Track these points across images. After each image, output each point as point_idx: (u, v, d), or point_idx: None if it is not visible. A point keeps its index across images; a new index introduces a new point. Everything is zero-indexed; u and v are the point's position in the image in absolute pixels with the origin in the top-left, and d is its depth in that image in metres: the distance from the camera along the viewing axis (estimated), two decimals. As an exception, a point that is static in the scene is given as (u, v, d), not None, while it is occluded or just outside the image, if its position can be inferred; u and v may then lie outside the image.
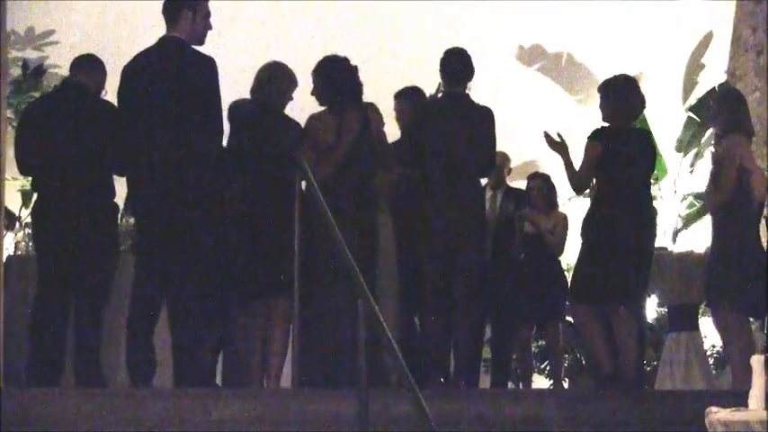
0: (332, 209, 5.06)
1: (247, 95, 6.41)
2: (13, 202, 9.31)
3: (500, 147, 6.97)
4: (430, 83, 6.89)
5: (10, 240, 8.17)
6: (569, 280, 7.02)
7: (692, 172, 10.51)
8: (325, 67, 6.29)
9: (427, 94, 7.07)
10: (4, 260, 7.28)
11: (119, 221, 6.56)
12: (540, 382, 9.15)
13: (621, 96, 6.45)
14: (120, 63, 5.77)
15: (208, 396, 5.05)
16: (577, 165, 6.46)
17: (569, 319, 8.91)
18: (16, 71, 10.17)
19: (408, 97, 7.05)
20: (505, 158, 8.02)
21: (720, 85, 9.93)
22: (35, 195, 6.25)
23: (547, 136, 6.55)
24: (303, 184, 5.77)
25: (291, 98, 6.34)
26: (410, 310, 6.67)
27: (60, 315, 5.89)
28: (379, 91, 6.92)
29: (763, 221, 6.88)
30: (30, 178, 6.43)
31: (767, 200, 6.53)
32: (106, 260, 5.98)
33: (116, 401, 4.98)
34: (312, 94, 6.33)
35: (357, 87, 6.31)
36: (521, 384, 8.15)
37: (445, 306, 6.45)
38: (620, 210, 6.32)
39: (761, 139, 9.14)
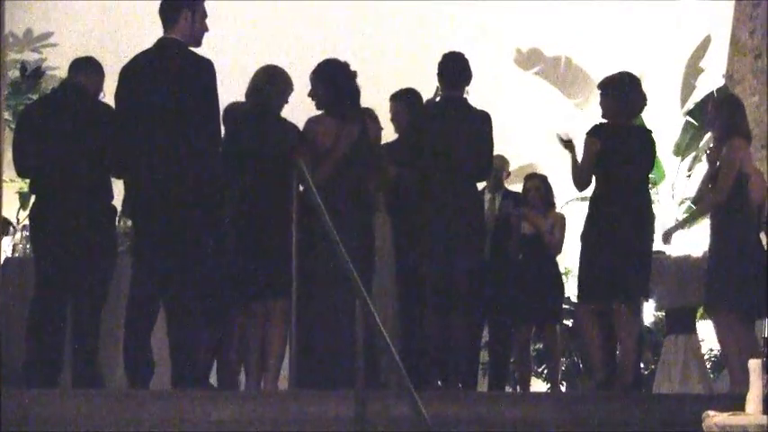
0: (329, 211, 5.07)
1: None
2: (11, 204, 9.30)
3: (498, 150, 6.98)
4: (428, 85, 6.89)
5: (8, 242, 8.16)
6: (566, 281, 7.04)
7: (689, 176, 10.51)
8: (326, 70, 6.29)
9: (425, 97, 7.07)
10: (2, 262, 7.30)
11: (117, 223, 6.56)
12: (538, 385, 9.14)
13: (622, 94, 6.46)
14: (118, 65, 5.76)
15: (206, 397, 5.05)
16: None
17: (567, 322, 8.95)
18: (14, 73, 10.17)
19: (404, 99, 7.05)
20: (504, 162, 8.02)
21: (718, 90, 9.95)
22: (33, 197, 6.25)
23: (558, 136, 6.57)
24: (300, 186, 5.76)
25: (287, 101, 6.34)
26: (409, 311, 6.67)
27: (58, 316, 5.89)
28: (378, 92, 6.93)
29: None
30: (28, 180, 6.43)
31: (767, 203, 6.54)
32: (104, 262, 5.98)
33: (115, 402, 4.98)
34: (310, 96, 6.33)
35: (356, 92, 6.31)
36: (518, 387, 8.15)
37: (443, 308, 6.45)
38: (618, 207, 6.33)
39: (759, 142, 9.15)
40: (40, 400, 4.93)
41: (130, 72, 5.66)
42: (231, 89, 6.25)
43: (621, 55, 10.54)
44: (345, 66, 6.32)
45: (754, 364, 4.39)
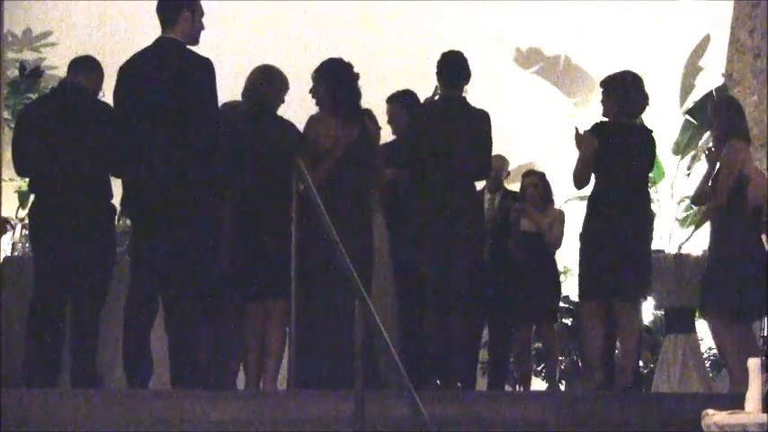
0: (329, 211, 5.06)
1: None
2: (11, 203, 9.30)
3: (497, 149, 6.98)
4: (428, 85, 6.89)
5: (7, 241, 8.16)
6: (565, 281, 7.04)
7: (689, 175, 10.50)
8: (328, 69, 6.28)
9: (422, 98, 7.07)
10: (1, 261, 7.31)
11: (116, 222, 6.56)
12: (537, 384, 9.15)
13: (624, 93, 6.45)
14: (117, 64, 5.76)
15: (205, 397, 5.05)
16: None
17: (566, 321, 8.95)
18: (13, 72, 10.17)
19: (401, 100, 7.05)
20: (504, 161, 8.02)
21: (718, 89, 9.95)
22: (32, 196, 6.24)
23: (576, 131, 6.55)
24: (301, 185, 5.75)
25: (284, 100, 6.34)
26: (408, 311, 6.67)
27: (57, 316, 5.88)
28: (377, 93, 6.93)
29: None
30: (27, 179, 6.43)
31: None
32: (103, 261, 5.97)
33: (114, 402, 4.98)
34: (311, 93, 6.32)
35: (357, 93, 6.30)
36: (518, 386, 8.15)
37: (443, 308, 6.45)
38: (617, 206, 6.34)
39: (759, 142, 9.15)
40: (39, 399, 4.93)
41: (129, 71, 5.66)
42: (231, 89, 6.24)
43: (621, 54, 10.53)
44: (349, 66, 6.31)
45: (753, 363, 4.39)
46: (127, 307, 5.57)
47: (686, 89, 11.08)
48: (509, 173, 8.23)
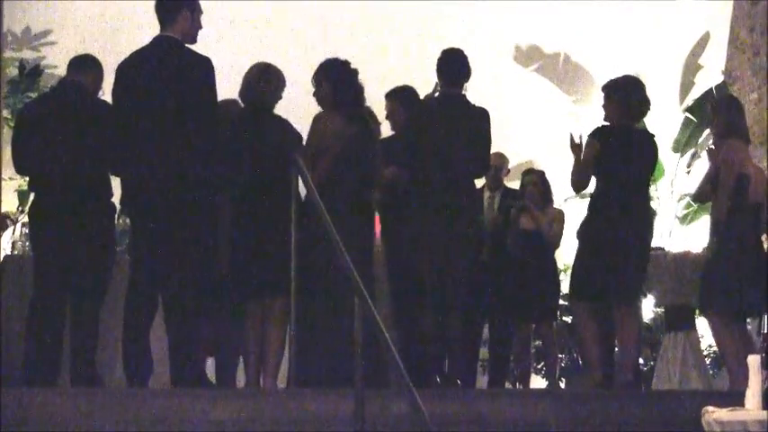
0: (329, 209, 5.06)
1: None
2: (10, 202, 9.30)
3: (497, 147, 6.97)
4: (428, 84, 6.89)
5: (7, 240, 8.16)
6: (565, 279, 7.03)
7: (689, 172, 10.51)
8: (330, 68, 6.29)
9: (421, 94, 7.07)
10: (1, 260, 7.30)
11: (116, 221, 6.56)
12: (537, 381, 9.15)
13: (626, 98, 6.45)
14: (117, 63, 5.75)
15: (205, 396, 5.05)
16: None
17: (566, 319, 8.95)
18: (13, 71, 10.17)
19: (399, 96, 7.04)
20: (503, 159, 8.02)
21: (717, 87, 9.96)
22: (32, 195, 6.24)
23: (571, 136, 6.57)
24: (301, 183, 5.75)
25: (281, 97, 6.33)
26: (408, 309, 6.67)
27: (57, 315, 5.87)
28: (378, 92, 6.93)
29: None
30: (27, 178, 6.43)
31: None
32: (103, 260, 5.97)
33: (114, 401, 4.97)
34: (314, 95, 6.33)
35: (359, 90, 6.31)
36: (518, 384, 8.15)
37: (441, 306, 6.45)
38: (617, 209, 6.34)
39: (759, 139, 9.15)
40: (39, 399, 4.93)
41: (128, 69, 5.65)
42: (231, 89, 6.24)
43: (620, 51, 10.56)
44: (348, 64, 6.33)
45: (753, 361, 4.39)
46: (126, 306, 5.57)
47: (686, 87, 11.10)
48: (509, 170, 8.23)
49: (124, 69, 5.66)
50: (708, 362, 8.50)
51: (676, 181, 10.58)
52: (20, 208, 9.14)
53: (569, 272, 6.77)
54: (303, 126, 6.21)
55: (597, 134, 6.45)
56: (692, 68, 11.12)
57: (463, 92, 6.63)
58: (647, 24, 11.02)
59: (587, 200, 6.76)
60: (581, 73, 11.45)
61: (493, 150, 6.78)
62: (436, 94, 6.81)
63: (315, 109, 6.35)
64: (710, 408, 4.33)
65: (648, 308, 9.11)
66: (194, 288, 5.53)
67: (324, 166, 6.09)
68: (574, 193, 7.02)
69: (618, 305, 6.34)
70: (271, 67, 6.31)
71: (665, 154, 10.46)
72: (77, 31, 10.74)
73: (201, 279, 5.61)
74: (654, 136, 6.70)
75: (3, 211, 8.18)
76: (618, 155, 6.37)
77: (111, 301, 6.08)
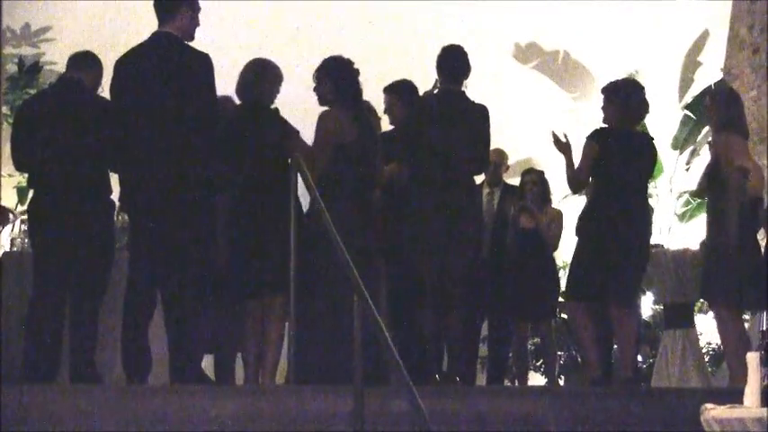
0: (329, 208, 5.06)
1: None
2: (9, 199, 9.30)
3: (496, 144, 6.98)
4: (428, 80, 6.89)
5: (6, 237, 8.16)
6: (564, 278, 7.04)
7: (688, 170, 10.52)
8: (332, 67, 6.29)
9: (422, 91, 7.07)
10: (1, 256, 7.29)
11: (115, 218, 6.55)
12: (536, 379, 9.16)
13: (626, 101, 6.46)
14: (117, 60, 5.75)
15: (205, 393, 5.05)
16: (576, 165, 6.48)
17: (564, 316, 8.95)
18: (12, 68, 10.17)
19: (398, 91, 7.04)
20: (503, 156, 8.03)
21: (716, 84, 9.95)
22: (31, 192, 6.24)
23: (554, 136, 6.57)
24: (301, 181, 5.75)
25: (279, 91, 6.33)
26: (407, 307, 6.67)
27: (56, 312, 5.86)
28: (377, 91, 6.93)
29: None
30: (26, 175, 6.42)
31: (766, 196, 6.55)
32: (102, 257, 5.96)
33: (113, 398, 4.97)
34: (315, 90, 6.33)
35: (359, 90, 6.32)
36: (516, 382, 8.16)
37: (440, 303, 6.45)
38: (615, 210, 6.33)
39: (758, 136, 9.15)
40: (39, 396, 4.92)
41: (126, 65, 5.63)
42: (230, 88, 6.23)
43: (620, 49, 10.56)
44: (351, 63, 6.34)
45: (752, 358, 4.39)
46: (125, 303, 5.56)
47: (685, 84, 11.11)
48: (508, 167, 8.24)
49: (123, 65, 5.64)
50: (707, 359, 8.52)
51: (675, 178, 10.59)
52: (19, 204, 9.14)
53: (567, 270, 6.78)
54: (303, 124, 6.21)
55: (596, 136, 6.45)
56: (691, 66, 11.13)
57: (463, 89, 6.63)
58: (646, 22, 11.02)
59: (585, 198, 6.76)
60: (580, 70, 11.45)
61: (492, 147, 6.78)
62: (435, 91, 6.81)
63: (315, 107, 6.35)
64: (709, 405, 4.33)
65: (647, 305, 9.12)
66: (193, 286, 5.52)
67: (323, 160, 6.09)
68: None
69: (616, 305, 6.34)
70: (267, 62, 6.30)
71: (664, 151, 10.47)
72: (77, 27, 10.73)
73: (200, 277, 5.61)
74: (653, 139, 6.71)
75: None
76: (617, 157, 6.37)
77: (110, 299, 6.07)
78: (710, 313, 7.28)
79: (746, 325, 7.93)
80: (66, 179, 5.84)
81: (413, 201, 6.54)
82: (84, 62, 6.19)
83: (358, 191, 6.18)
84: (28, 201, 6.17)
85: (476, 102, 6.61)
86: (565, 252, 7.93)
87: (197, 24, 5.74)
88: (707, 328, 8.46)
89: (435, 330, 6.47)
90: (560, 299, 8.20)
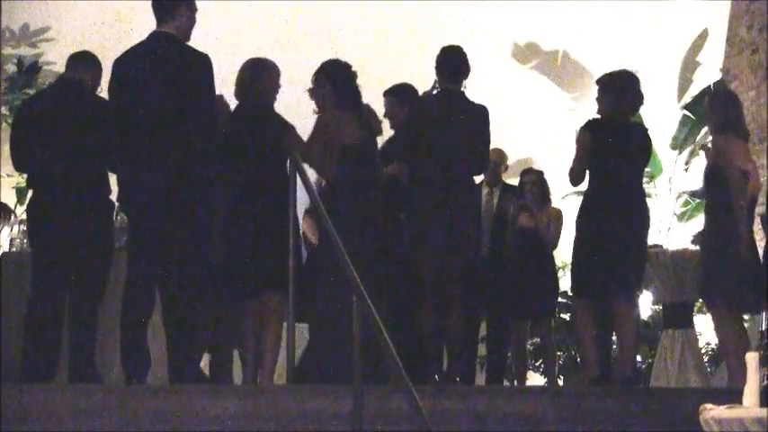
0: (332, 209, 5.07)
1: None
2: (9, 199, 9.29)
3: (496, 144, 6.98)
4: (428, 81, 6.89)
5: (5, 237, 8.15)
6: (563, 277, 7.04)
7: (687, 170, 10.52)
8: (331, 69, 6.29)
9: (421, 91, 7.07)
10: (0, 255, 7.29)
11: (114, 218, 6.55)
12: (535, 379, 9.16)
13: (620, 92, 6.46)
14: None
15: (204, 392, 5.05)
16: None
17: (564, 316, 8.96)
18: (11, 68, 10.16)
19: (398, 94, 7.04)
20: (502, 156, 8.03)
21: (715, 84, 9.96)
22: (30, 192, 6.24)
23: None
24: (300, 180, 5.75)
25: (279, 88, 6.32)
26: (406, 307, 6.67)
27: (56, 312, 5.86)
28: (377, 92, 6.94)
29: (757, 219, 6.90)
30: (25, 175, 6.41)
31: (759, 195, 6.55)
32: (101, 257, 5.96)
33: (113, 397, 4.97)
34: (310, 93, 6.32)
35: (358, 93, 6.33)
36: (516, 382, 8.16)
37: (440, 303, 6.45)
38: (611, 203, 6.34)
39: (758, 136, 9.16)
40: (38, 395, 4.92)
41: (124, 65, 5.62)
42: (229, 90, 6.23)
43: (619, 49, 10.55)
44: (349, 66, 6.34)
45: (752, 358, 4.40)
46: (124, 303, 5.56)
47: (684, 84, 11.11)
48: (507, 167, 8.24)
49: (121, 65, 5.63)
50: (705, 359, 8.52)
51: (674, 178, 10.59)
52: (18, 205, 9.14)
53: (567, 270, 6.78)
54: (303, 126, 6.21)
55: (589, 126, 6.47)
56: (690, 66, 11.13)
57: (462, 89, 6.64)
58: (645, 22, 11.03)
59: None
60: (579, 70, 11.45)
61: (492, 147, 6.79)
62: (435, 92, 6.82)
63: (312, 108, 6.36)
64: (709, 405, 4.33)
65: (646, 305, 9.12)
66: (192, 285, 5.52)
67: (329, 161, 6.10)
68: (572, 190, 7.03)
69: (617, 300, 6.34)
70: (265, 62, 6.30)
71: (663, 151, 10.48)
72: (76, 27, 10.73)
73: (199, 276, 5.61)
74: (647, 129, 6.71)
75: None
76: (611, 148, 6.38)
77: (109, 299, 6.07)
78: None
79: (746, 325, 7.96)
80: (66, 179, 5.84)
81: (413, 201, 6.54)
82: (84, 62, 6.19)
83: (358, 191, 6.18)
84: (27, 201, 6.17)
85: (475, 102, 6.61)
86: (564, 252, 7.93)
87: (194, 24, 5.74)
88: (706, 328, 8.46)
89: (435, 330, 6.47)
90: (559, 298, 8.20)
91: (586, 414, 5.26)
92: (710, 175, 6.40)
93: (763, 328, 7.20)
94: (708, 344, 8.86)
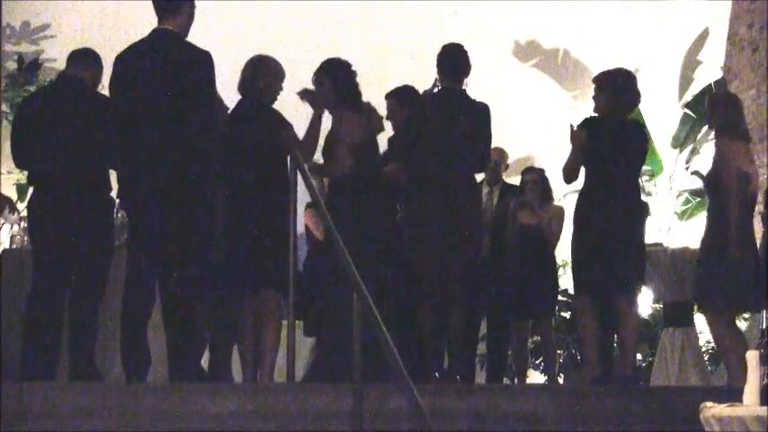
0: (334, 207, 5.07)
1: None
2: (9, 195, 9.28)
3: (496, 142, 6.97)
4: (428, 80, 6.89)
5: (5, 234, 8.15)
6: (563, 276, 7.04)
7: (687, 168, 10.51)
8: (332, 69, 6.30)
9: (421, 90, 7.07)
10: (0, 253, 7.29)
11: (114, 216, 6.55)
12: (535, 377, 9.16)
13: (617, 91, 6.46)
14: (116, 56, 5.75)
15: (204, 391, 5.05)
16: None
17: (564, 314, 8.96)
18: (12, 65, 10.16)
19: (399, 96, 7.04)
20: (503, 154, 8.03)
21: (716, 82, 9.96)
22: (31, 189, 6.24)
23: (571, 126, 6.56)
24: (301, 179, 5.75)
25: (282, 88, 6.32)
26: (406, 307, 6.67)
27: (56, 310, 5.86)
28: (377, 92, 6.94)
29: (757, 217, 6.89)
30: (25, 172, 6.41)
31: (759, 194, 6.55)
32: (102, 255, 5.96)
33: (113, 396, 4.97)
34: (311, 91, 6.33)
35: (358, 92, 6.34)
36: (516, 380, 8.16)
37: (440, 303, 6.45)
38: (607, 199, 6.33)
39: (757, 135, 9.15)
40: (38, 393, 4.93)
41: (126, 62, 5.61)
42: (231, 88, 6.23)
43: (619, 47, 10.55)
44: (349, 65, 6.35)
45: (752, 356, 4.40)
46: (124, 301, 5.55)
47: (685, 83, 11.11)
48: (508, 165, 8.24)
49: (122, 62, 5.61)
50: (706, 358, 8.52)
51: (675, 177, 10.59)
52: (18, 202, 9.14)
53: (568, 267, 6.78)
54: (304, 125, 6.20)
55: (586, 124, 6.47)
56: (691, 64, 11.13)
57: (463, 87, 6.63)
58: (646, 20, 11.02)
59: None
60: (580, 68, 11.45)
61: (492, 145, 6.78)
62: (435, 90, 6.81)
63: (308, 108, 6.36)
64: (709, 403, 4.34)
65: (647, 304, 9.12)
66: (192, 283, 5.52)
67: (343, 160, 6.11)
68: (572, 189, 7.02)
69: (617, 296, 6.33)
70: (269, 59, 6.30)
71: (664, 150, 10.48)
72: (76, 24, 10.73)
73: (199, 274, 5.60)
74: (644, 127, 6.70)
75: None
76: (608, 146, 6.38)
77: (109, 297, 6.06)
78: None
79: (746, 324, 7.96)
80: (66, 176, 5.84)
81: (413, 200, 6.54)
82: (84, 59, 6.18)
83: (359, 191, 6.18)
84: (27, 198, 6.17)
85: (476, 100, 6.61)
86: (565, 250, 7.93)
87: (192, 21, 5.73)
88: (706, 327, 8.46)
89: (435, 330, 6.47)
90: (560, 297, 8.20)
91: (586, 413, 5.26)
92: (712, 176, 6.39)
93: (764, 327, 7.19)
94: (708, 342, 8.85)
